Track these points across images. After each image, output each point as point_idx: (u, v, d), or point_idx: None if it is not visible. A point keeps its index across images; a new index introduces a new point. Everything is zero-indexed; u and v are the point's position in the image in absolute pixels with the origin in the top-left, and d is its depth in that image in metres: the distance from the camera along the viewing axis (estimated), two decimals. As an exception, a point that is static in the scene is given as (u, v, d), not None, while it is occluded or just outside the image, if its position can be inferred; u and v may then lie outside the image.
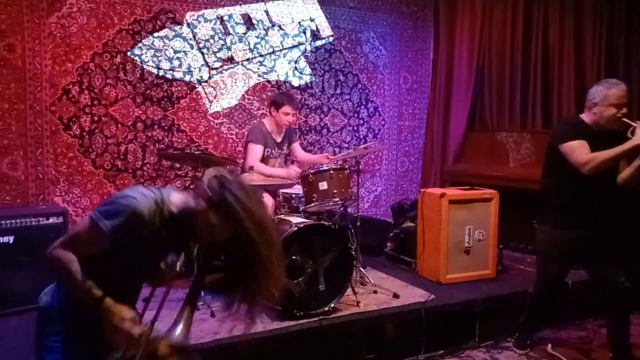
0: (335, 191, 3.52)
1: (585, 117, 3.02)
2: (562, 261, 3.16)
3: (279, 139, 4.25)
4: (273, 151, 4.20)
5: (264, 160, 4.11)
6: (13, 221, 3.27)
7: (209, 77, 4.77)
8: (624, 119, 2.84)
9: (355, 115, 5.60)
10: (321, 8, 5.27)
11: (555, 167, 3.07)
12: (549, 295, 3.32)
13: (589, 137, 2.89)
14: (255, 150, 4.05)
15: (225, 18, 4.81)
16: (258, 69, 5.01)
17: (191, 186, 4.63)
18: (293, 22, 5.15)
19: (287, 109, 4.05)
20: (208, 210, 1.50)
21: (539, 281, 3.28)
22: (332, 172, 3.54)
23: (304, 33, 5.21)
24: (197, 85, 4.72)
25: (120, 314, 1.55)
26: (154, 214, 1.56)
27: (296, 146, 4.45)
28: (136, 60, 4.44)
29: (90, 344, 1.65)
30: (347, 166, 3.75)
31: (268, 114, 4.27)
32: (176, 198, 1.63)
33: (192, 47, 4.66)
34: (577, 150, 2.85)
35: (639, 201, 3.46)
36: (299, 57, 5.21)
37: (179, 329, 1.56)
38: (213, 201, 1.49)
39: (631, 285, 2.97)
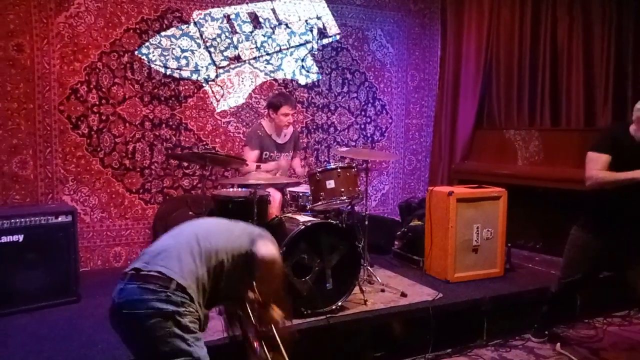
0: (342, 190, 3.51)
1: (631, 128, 2.95)
2: (584, 267, 3.15)
3: (281, 141, 4.23)
4: (272, 154, 4.18)
5: (262, 162, 4.09)
6: (23, 220, 3.29)
7: (216, 76, 4.78)
8: None
9: (363, 113, 5.59)
10: (328, 6, 5.27)
11: None
12: (569, 297, 3.36)
13: (624, 149, 2.87)
14: (250, 156, 4.06)
15: (232, 17, 4.81)
16: (265, 67, 5.01)
17: (199, 185, 4.64)
18: (300, 20, 5.14)
19: (285, 109, 4.04)
20: None
21: (560, 282, 3.29)
22: (339, 170, 3.53)
23: (311, 31, 5.21)
24: (204, 84, 4.73)
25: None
26: None
27: (296, 161, 4.44)
28: (143, 59, 4.45)
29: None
30: (354, 164, 3.75)
31: (266, 115, 4.26)
32: None
33: (199, 46, 4.67)
34: (591, 162, 2.92)
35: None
36: (306, 55, 5.21)
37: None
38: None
39: None
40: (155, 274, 1.85)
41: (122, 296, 1.86)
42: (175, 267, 1.88)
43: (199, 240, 1.98)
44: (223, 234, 2.07)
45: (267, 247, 2.04)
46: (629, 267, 3.02)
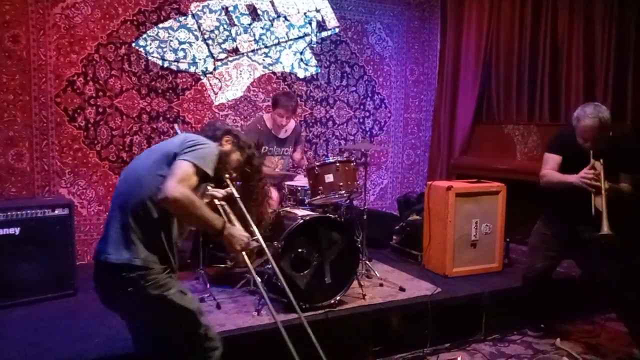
0: (341, 184, 3.50)
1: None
2: (541, 253, 3.37)
3: (282, 136, 4.20)
4: (272, 149, 4.16)
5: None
6: (19, 212, 3.27)
7: (214, 69, 4.74)
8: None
9: (361, 107, 5.57)
10: (327, -1, 5.23)
11: None
12: (535, 286, 3.47)
13: (571, 151, 3.15)
14: None
15: (231, 9, 4.77)
16: (263, 60, 4.97)
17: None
18: (299, 12, 5.11)
19: (280, 110, 4.01)
20: (234, 149, 2.24)
21: (524, 273, 3.52)
22: (338, 164, 3.52)
23: (310, 24, 5.17)
24: (202, 77, 4.69)
25: (240, 233, 2.06)
26: None
27: (296, 154, 4.39)
28: (141, 51, 4.41)
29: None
30: (353, 158, 3.73)
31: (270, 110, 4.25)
32: None
33: (197, 38, 4.63)
34: (544, 162, 3.29)
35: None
36: (305, 48, 5.17)
37: (238, 227, 2.13)
38: (236, 143, 2.25)
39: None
40: None
41: None
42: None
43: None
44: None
45: (167, 187, 1.83)
46: (576, 255, 3.42)
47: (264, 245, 2.24)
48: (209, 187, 2.20)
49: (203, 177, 1.95)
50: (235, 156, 2.24)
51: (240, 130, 2.37)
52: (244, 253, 2.07)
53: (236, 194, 2.22)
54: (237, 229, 2.07)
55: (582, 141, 3.07)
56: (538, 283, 3.44)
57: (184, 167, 1.89)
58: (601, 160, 3.01)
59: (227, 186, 2.23)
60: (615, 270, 3.12)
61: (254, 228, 2.25)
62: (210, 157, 2.00)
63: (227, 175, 2.20)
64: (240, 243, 2.04)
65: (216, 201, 2.22)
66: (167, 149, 2.02)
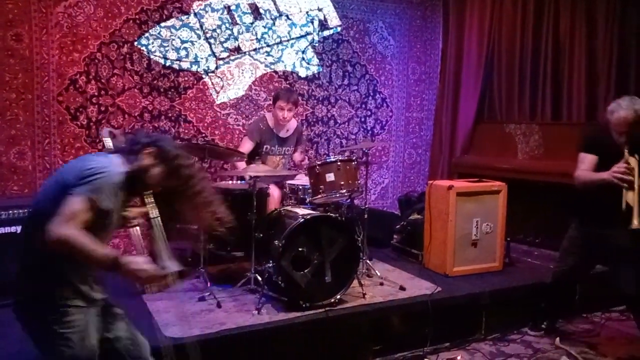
0: (342, 183, 3.50)
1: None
2: (572, 257, 3.30)
3: (283, 135, 4.22)
4: (273, 148, 4.17)
5: (263, 157, 4.08)
6: (21, 211, 3.27)
7: (216, 68, 4.75)
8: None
9: (363, 106, 5.57)
10: (329, -3, 5.23)
11: None
12: (562, 287, 3.47)
13: (607, 148, 3.03)
14: (244, 145, 4.09)
15: (233, 7, 4.77)
16: (265, 59, 4.98)
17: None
18: (301, 11, 5.11)
19: (280, 103, 4.03)
20: (155, 163, 1.97)
21: (554, 271, 3.49)
22: (339, 163, 3.52)
23: (312, 23, 5.17)
24: (204, 76, 4.70)
25: (139, 265, 1.79)
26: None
27: (296, 155, 4.40)
28: (143, 50, 4.42)
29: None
30: (354, 157, 3.74)
31: (272, 109, 4.27)
32: (120, 161, 1.95)
33: (199, 37, 4.64)
34: (579, 163, 3.15)
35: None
36: (307, 47, 5.18)
37: (168, 259, 1.90)
38: (158, 155, 1.98)
39: None
40: None
41: None
42: None
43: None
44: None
45: (50, 228, 1.70)
46: (608, 262, 3.30)
47: (170, 268, 1.87)
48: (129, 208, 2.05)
49: (100, 210, 1.80)
50: (157, 170, 1.98)
51: (166, 139, 2.09)
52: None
53: (153, 214, 1.99)
54: (134, 261, 1.80)
55: (617, 135, 2.99)
56: (563, 283, 3.46)
57: (73, 204, 1.74)
58: (636, 156, 2.93)
59: (147, 204, 2.01)
60: (636, 274, 3.06)
61: (163, 251, 1.95)
62: (107, 187, 1.82)
63: (145, 192, 1.99)
64: (141, 275, 1.80)
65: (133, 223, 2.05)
66: (64, 178, 1.86)
